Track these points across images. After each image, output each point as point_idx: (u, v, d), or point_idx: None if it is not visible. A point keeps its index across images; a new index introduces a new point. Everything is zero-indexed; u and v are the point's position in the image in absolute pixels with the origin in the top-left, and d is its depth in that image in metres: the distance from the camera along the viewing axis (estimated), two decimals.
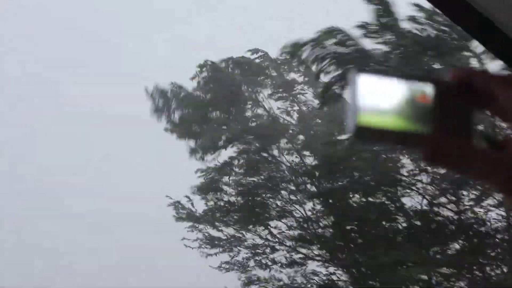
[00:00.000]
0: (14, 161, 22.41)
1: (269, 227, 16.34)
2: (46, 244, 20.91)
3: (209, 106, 16.70)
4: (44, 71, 24.06)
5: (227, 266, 16.25)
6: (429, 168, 13.78)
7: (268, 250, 16.18)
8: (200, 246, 16.40)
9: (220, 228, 16.48)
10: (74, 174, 21.84)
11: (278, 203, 16.41)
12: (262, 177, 16.58)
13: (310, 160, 16.62)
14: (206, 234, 16.51)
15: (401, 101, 0.70)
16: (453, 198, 14.26)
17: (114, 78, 22.90)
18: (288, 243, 16.15)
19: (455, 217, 14.38)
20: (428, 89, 0.71)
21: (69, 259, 20.87)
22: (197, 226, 16.60)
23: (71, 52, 23.87)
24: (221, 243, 16.42)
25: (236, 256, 16.38)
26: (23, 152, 22.72)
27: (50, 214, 21.44)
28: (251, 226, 16.37)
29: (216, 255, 16.42)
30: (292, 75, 17.50)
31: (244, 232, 16.44)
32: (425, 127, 0.69)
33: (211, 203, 16.63)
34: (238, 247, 16.42)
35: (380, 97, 0.69)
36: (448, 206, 14.46)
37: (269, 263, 16.06)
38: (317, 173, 15.77)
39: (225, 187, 16.72)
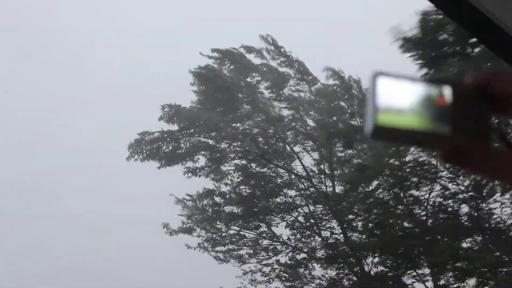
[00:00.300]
0: (14, 161, 22.41)
1: (271, 227, 16.27)
2: (46, 244, 20.90)
3: (202, 116, 16.54)
4: (42, 73, 24.09)
5: (223, 257, 16.18)
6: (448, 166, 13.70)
7: (270, 252, 16.08)
8: (201, 246, 16.32)
9: (220, 228, 16.40)
10: (74, 174, 21.86)
11: (279, 204, 16.34)
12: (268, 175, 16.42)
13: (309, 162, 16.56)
14: (208, 235, 16.42)
15: (419, 102, 0.71)
16: (474, 195, 14.17)
17: (114, 83, 22.91)
18: (291, 243, 16.06)
19: (474, 214, 14.25)
20: (446, 91, 0.72)
21: (69, 259, 20.86)
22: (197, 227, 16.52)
23: (68, 56, 23.89)
24: (222, 240, 16.30)
25: (235, 251, 16.27)
26: (23, 152, 22.72)
27: (50, 214, 21.43)
28: (251, 226, 16.28)
29: (216, 252, 16.29)
30: (285, 70, 17.26)
31: (245, 232, 16.35)
32: (443, 128, 0.70)
33: (209, 209, 16.58)
34: (239, 244, 16.29)
35: (399, 98, 0.70)
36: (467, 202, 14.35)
37: (273, 263, 15.96)
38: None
39: (223, 192, 16.65)
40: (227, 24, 21.13)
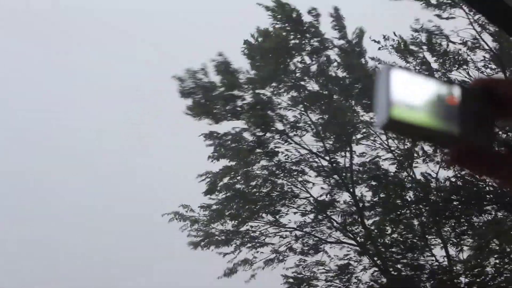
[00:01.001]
0: (14, 161, 22.43)
1: (279, 215, 15.78)
2: (46, 244, 20.93)
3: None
4: (42, 73, 24.11)
5: (229, 271, 15.75)
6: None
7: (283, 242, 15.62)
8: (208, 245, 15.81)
9: (227, 224, 15.85)
10: (74, 174, 21.88)
11: (288, 187, 15.82)
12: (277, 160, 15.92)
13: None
14: (215, 233, 15.88)
15: (431, 99, 0.72)
16: None
17: (114, 83, 22.93)
18: (304, 229, 15.62)
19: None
20: (456, 91, 0.73)
21: (69, 259, 20.89)
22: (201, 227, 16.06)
23: (68, 56, 23.92)
24: (229, 237, 15.81)
25: (239, 251, 15.84)
26: (23, 152, 22.74)
27: (50, 214, 21.46)
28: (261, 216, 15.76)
29: (228, 254, 15.81)
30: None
31: (252, 225, 15.84)
32: (452, 128, 0.71)
33: (215, 201, 16.04)
34: (245, 240, 15.83)
35: (412, 93, 0.71)
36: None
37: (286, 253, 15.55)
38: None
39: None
40: (227, 22, 21.16)
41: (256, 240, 15.90)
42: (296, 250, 15.59)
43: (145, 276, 19.98)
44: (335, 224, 15.58)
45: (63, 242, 20.85)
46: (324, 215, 15.65)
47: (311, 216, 15.73)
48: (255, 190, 15.99)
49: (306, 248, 15.55)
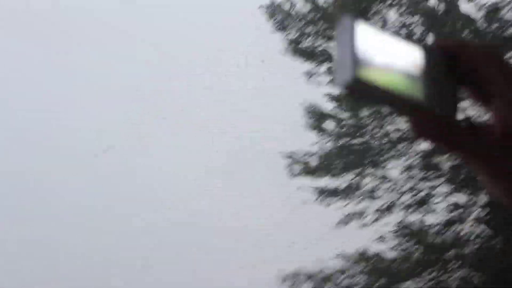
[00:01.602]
0: (14, 161, 22.39)
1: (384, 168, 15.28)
2: (46, 244, 20.91)
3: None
4: (42, 73, 24.06)
5: (344, 220, 15.00)
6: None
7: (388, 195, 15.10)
8: (320, 198, 15.15)
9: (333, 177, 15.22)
10: (74, 174, 21.85)
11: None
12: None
13: None
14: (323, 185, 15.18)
15: (399, 61, 0.65)
16: None
17: (114, 83, 22.91)
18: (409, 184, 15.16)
19: None
20: (421, 53, 0.67)
21: (69, 259, 20.88)
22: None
23: (68, 55, 23.88)
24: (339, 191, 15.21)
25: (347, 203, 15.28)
26: (23, 152, 22.70)
27: (50, 214, 21.44)
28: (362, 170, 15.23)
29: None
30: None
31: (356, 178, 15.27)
32: (417, 94, 0.65)
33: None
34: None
35: (379, 52, 0.64)
36: None
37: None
38: None
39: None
40: (227, 22, 21.14)
41: (363, 193, 15.27)
42: (401, 205, 15.11)
43: (145, 276, 19.98)
44: (444, 177, 15.00)
45: (63, 242, 20.84)
46: (432, 170, 15.05)
47: (418, 171, 15.16)
48: (361, 140, 15.36)
49: (413, 202, 15.06)
